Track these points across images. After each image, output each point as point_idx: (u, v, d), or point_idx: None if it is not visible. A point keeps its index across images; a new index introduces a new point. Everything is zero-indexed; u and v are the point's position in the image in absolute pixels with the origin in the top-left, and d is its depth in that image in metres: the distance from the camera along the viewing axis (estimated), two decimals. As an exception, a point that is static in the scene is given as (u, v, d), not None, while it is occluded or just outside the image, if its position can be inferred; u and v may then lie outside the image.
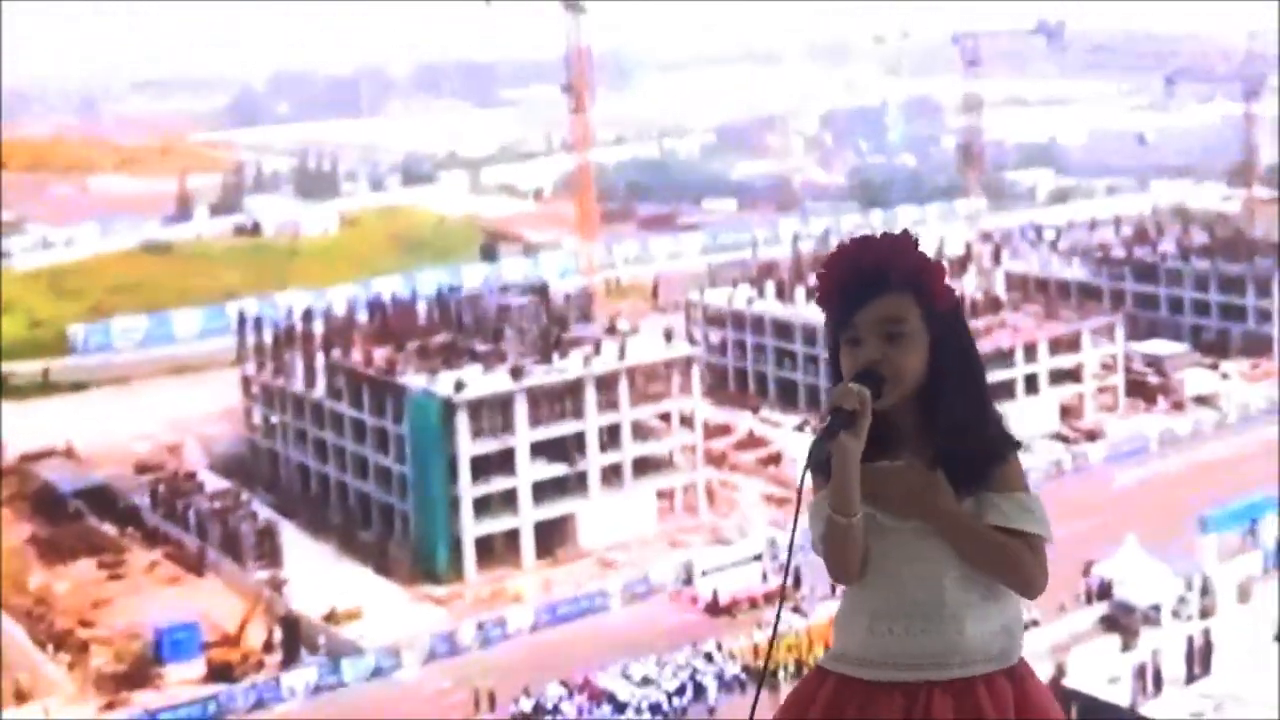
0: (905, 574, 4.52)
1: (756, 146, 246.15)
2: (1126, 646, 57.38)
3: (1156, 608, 65.52)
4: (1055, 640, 61.37)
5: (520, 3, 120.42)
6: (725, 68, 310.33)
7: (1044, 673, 52.58)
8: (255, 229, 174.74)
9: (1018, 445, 4.67)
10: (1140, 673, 52.41)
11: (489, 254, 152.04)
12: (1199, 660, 53.70)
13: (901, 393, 4.54)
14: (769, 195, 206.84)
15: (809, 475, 4.55)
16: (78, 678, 70.96)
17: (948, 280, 4.68)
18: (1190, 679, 52.99)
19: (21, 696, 68.98)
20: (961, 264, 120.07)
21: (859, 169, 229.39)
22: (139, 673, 70.59)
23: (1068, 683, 51.02)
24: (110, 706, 67.95)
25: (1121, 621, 64.19)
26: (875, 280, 4.58)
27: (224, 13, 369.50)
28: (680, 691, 66.26)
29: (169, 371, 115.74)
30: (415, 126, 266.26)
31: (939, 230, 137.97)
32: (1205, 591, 63.87)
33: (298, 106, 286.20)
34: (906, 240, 4.64)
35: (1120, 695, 50.17)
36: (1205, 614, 60.79)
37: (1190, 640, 55.30)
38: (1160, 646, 55.55)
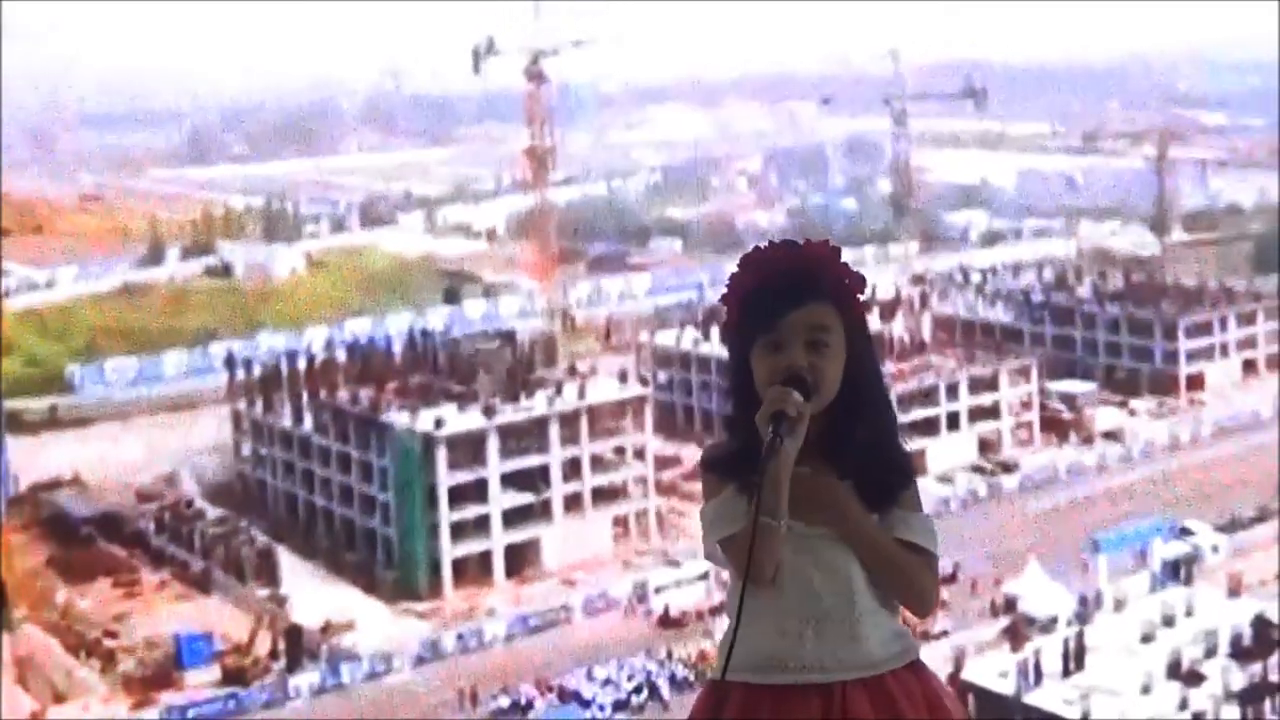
0: (816, 579, 4.50)
1: (700, 186, 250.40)
2: (1015, 648, 67.46)
3: (1054, 619, 75.41)
4: (961, 646, 71.38)
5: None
6: (668, 105, 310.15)
7: (945, 670, 62.66)
8: (226, 270, 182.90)
9: (915, 470, 4.71)
10: (1024, 668, 62.52)
11: (451, 297, 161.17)
12: (1074, 658, 63.83)
13: (822, 402, 4.47)
14: (712, 237, 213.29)
15: (702, 478, 4.65)
16: (108, 681, 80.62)
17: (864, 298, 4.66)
18: (1066, 673, 63.11)
19: (59, 698, 78.57)
20: (891, 308, 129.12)
21: (798, 211, 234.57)
22: (162, 677, 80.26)
23: (964, 676, 61.05)
24: (139, 705, 77.62)
25: (1021, 632, 73.99)
26: (804, 286, 4.50)
27: (171, 45, 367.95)
28: (638, 690, 76.41)
29: (161, 409, 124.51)
30: (370, 164, 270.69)
31: (872, 273, 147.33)
32: (1084, 603, 74.17)
33: (252, 142, 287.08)
34: (833, 250, 4.57)
35: (1007, 687, 60.24)
36: (1084, 620, 70.98)
37: (1066, 642, 65.50)
38: (1042, 646, 65.71)
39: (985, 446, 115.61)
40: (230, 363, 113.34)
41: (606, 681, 76.62)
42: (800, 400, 4.35)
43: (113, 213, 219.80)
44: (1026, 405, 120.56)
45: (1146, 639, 67.02)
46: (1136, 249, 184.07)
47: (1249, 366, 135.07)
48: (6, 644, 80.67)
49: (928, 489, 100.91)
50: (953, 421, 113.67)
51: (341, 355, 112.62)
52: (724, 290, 4.62)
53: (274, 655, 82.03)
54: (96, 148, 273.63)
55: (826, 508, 4.49)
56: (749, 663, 4.49)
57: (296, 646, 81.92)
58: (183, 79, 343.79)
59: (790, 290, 4.49)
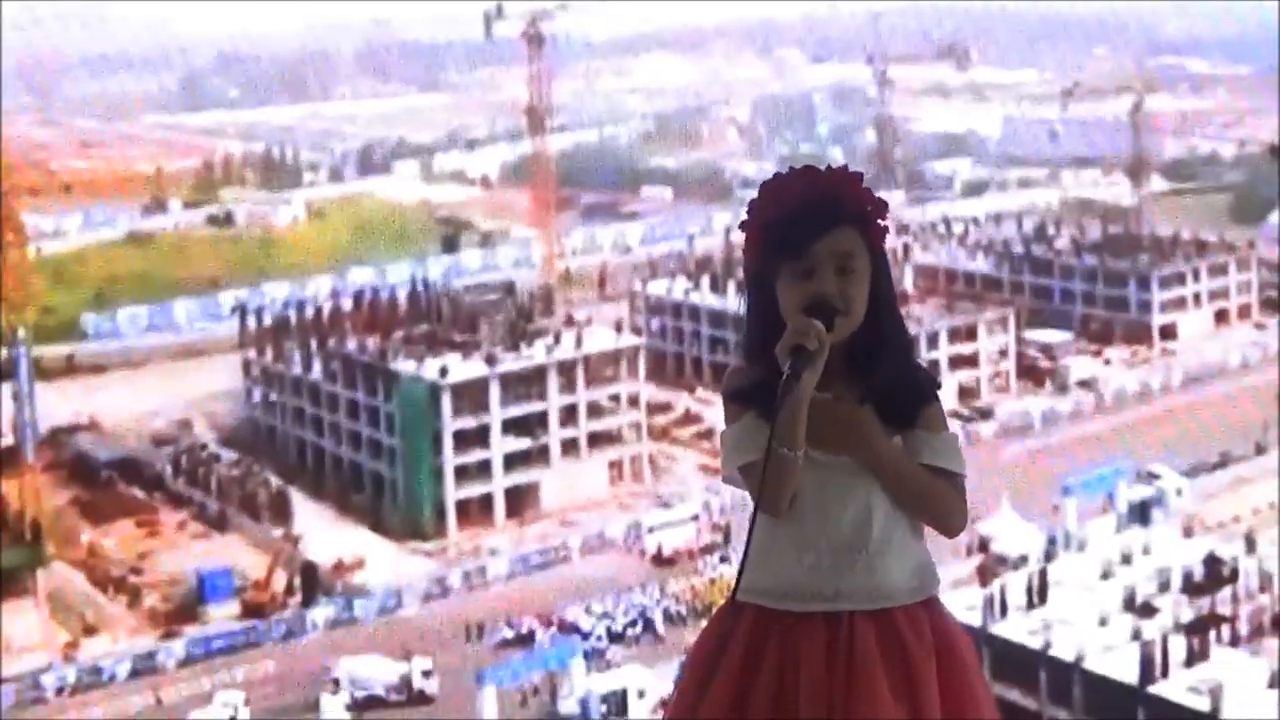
0: (834, 508, 4.51)
1: (691, 135, 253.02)
2: (983, 584, 72.54)
3: (1024, 558, 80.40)
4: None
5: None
6: (657, 53, 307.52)
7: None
8: (228, 219, 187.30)
9: (939, 386, 4.79)
10: (990, 602, 67.61)
11: (450, 245, 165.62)
12: (1037, 593, 68.96)
13: (850, 327, 4.49)
14: (702, 185, 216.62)
15: (724, 405, 4.64)
16: (136, 615, 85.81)
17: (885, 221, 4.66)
18: (1030, 607, 68.25)
19: (89, 630, 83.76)
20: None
21: (787, 159, 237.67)
22: (185, 611, 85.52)
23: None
24: (166, 637, 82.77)
25: (991, 569, 78.96)
26: (829, 212, 4.52)
27: None
28: (633, 624, 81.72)
29: (173, 356, 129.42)
30: (364, 111, 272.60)
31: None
32: (1052, 543, 79.38)
33: (245, 88, 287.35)
34: (856, 175, 4.60)
35: (974, 619, 65.28)
36: (1048, 559, 76.19)
37: (1030, 578, 70.65)
38: (1007, 582, 70.87)
39: (964, 394, 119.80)
40: (242, 312, 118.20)
41: (603, 615, 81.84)
42: (822, 332, 4.36)
43: (111, 160, 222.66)
44: (1004, 354, 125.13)
45: (1105, 576, 72.17)
46: (1118, 199, 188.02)
47: (1220, 316, 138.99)
48: (41, 579, 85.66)
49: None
50: (932, 369, 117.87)
51: (347, 304, 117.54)
52: (744, 218, 4.65)
53: (290, 591, 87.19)
54: (91, 93, 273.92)
55: (850, 435, 4.50)
56: (764, 587, 4.54)
57: (312, 583, 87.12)
58: (171, 23, 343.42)
59: (817, 217, 4.53)
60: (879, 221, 4.61)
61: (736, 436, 4.57)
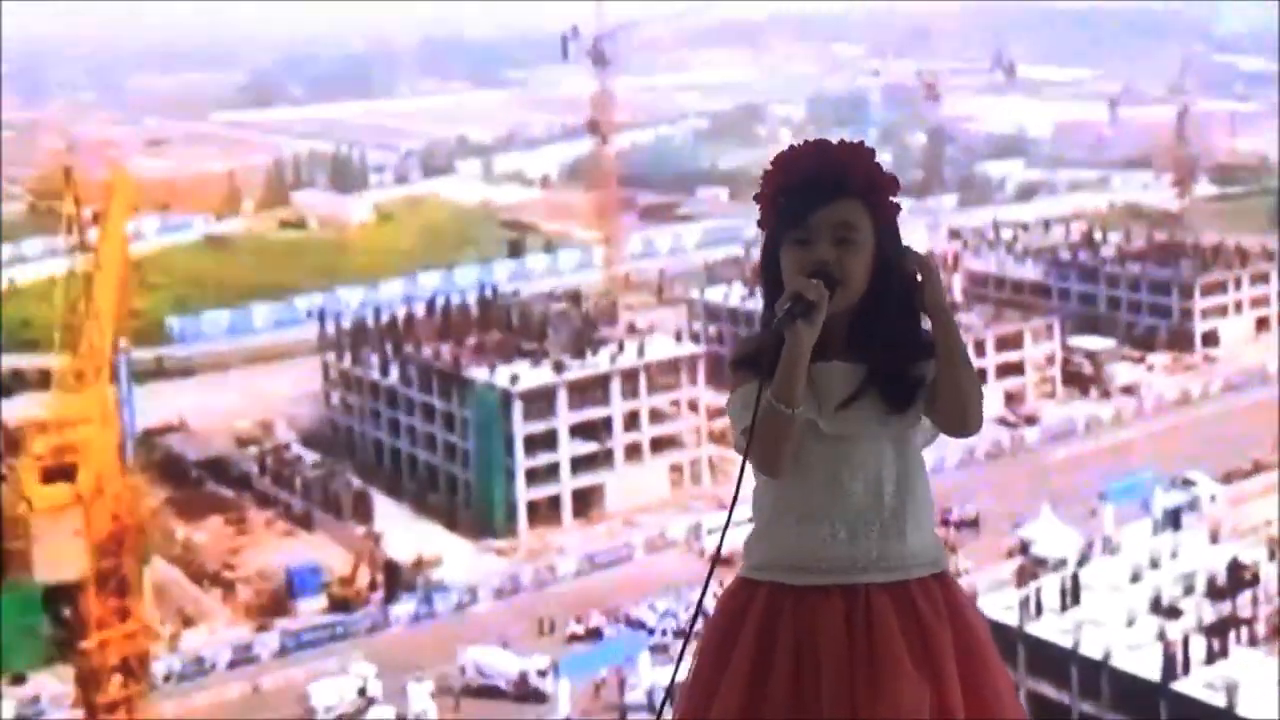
0: (845, 479, 4.56)
1: (745, 134, 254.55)
2: (1020, 585, 77.72)
3: (1063, 561, 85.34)
4: (975, 584, 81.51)
5: None
6: (715, 48, 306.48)
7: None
8: (300, 222, 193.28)
9: None
10: (1026, 603, 72.84)
11: (515, 250, 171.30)
12: (1070, 595, 74.18)
13: (849, 298, 4.53)
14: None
15: (731, 373, 4.67)
16: (230, 608, 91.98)
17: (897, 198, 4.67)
18: (1063, 608, 73.47)
19: (188, 621, 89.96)
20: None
21: None
22: (276, 605, 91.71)
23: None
24: (260, 629, 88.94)
25: (1029, 571, 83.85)
26: (832, 184, 4.56)
27: None
28: (694, 620, 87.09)
29: (254, 359, 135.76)
30: (426, 110, 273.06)
31: (910, 229, 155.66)
32: (1089, 547, 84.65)
33: (309, 86, 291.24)
34: (864, 149, 4.64)
35: (1011, 619, 70.64)
36: (1082, 562, 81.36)
37: (1063, 580, 75.87)
38: (1043, 585, 76.08)
39: (1011, 399, 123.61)
40: (321, 317, 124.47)
41: (666, 612, 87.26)
42: (821, 287, 4.41)
43: (181, 158, 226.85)
44: (1050, 360, 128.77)
45: (1135, 579, 77.40)
46: (1165, 203, 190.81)
47: (1261, 323, 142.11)
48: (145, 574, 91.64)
49: (954, 440, 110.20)
50: (980, 375, 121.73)
51: (420, 310, 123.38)
52: (758, 188, 4.71)
53: (373, 586, 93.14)
54: (159, 90, 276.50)
55: (927, 282, 4.48)
56: (779, 562, 4.67)
57: (394, 579, 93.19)
58: (237, 21, 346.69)
59: (819, 188, 4.56)
60: (889, 197, 4.66)
61: (741, 400, 4.59)
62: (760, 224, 4.73)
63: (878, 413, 4.60)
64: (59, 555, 79.35)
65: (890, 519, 4.61)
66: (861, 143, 4.68)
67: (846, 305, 4.55)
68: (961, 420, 4.60)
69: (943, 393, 4.55)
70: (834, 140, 4.69)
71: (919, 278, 4.52)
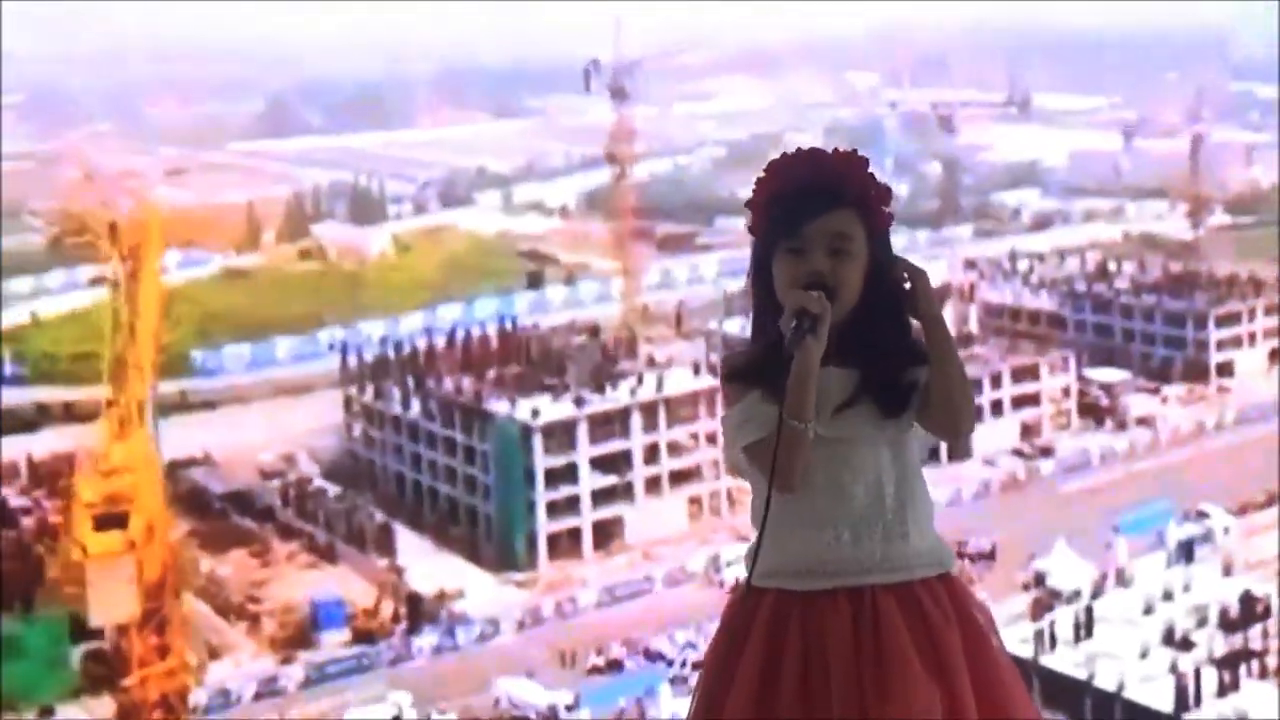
0: (847, 481, 4.57)
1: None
2: (1035, 618, 78.85)
3: (1078, 593, 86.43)
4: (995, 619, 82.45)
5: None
6: (729, 77, 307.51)
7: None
8: (320, 253, 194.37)
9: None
10: (1040, 635, 74.04)
11: (535, 282, 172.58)
12: (1084, 627, 75.38)
13: (843, 308, 4.54)
14: None
15: (723, 387, 4.69)
16: (255, 640, 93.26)
17: (888, 208, 4.68)
18: (1077, 640, 74.68)
19: (214, 654, 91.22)
20: (941, 297, 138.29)
21: None
22: (300, 637, 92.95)
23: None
24: (285, 661, 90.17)
25: (1046, 604, 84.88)
26: (827, 193, 4.58)
27: (241, 15, 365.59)
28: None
29: (276, 392, 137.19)
30: (444, 140, 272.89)
31: (925, 259, 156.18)
32: (1103, 579, 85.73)
33: (327, 115, 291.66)
34: (858, 159, 4.64)
35: (1026, 651, 71.75)
36: (1096, 595, 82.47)
37: (1077, 613, 77.10)
38: (1057, 617, 77.30)
39: (1027, 431, 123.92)
40: (343, 350, 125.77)
41: (687, 644, 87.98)
42: (824, 299, 4.44)
43: (199, 189, 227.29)
44: (1066, 393, 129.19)
45: (1148, 611, 78.68)
46: (1180, 233, 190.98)
47: (1276, 355, 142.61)
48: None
49: (971, 473, 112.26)
50: (996, 408, 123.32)
51: (440, 342, 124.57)
52: (750, 196, 4.75)
53: (396, 618, 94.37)
54: (176, 119, 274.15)
55: (918, 292, 4.54)
56: (783, 568, 4.62)
57: (417, 611, 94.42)
58: (254, 49, 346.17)
59: (813, 197, 4.57)
60: (881, 206, 4.66)
61: (742, 415, 4.60)
62: (751, 229, 4.84)
63: (873, 417, 4.65)
64: (113, 600, 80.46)
65: (893, 521, 4.64)
66: (855, 151, 4.72)
67: (840, 314, 4.58)
68: (954, 424, 4.65)
69: (936, 397, 4.59)
70: (828, 149, 4.73)
71: (908, 285, 4.62)
